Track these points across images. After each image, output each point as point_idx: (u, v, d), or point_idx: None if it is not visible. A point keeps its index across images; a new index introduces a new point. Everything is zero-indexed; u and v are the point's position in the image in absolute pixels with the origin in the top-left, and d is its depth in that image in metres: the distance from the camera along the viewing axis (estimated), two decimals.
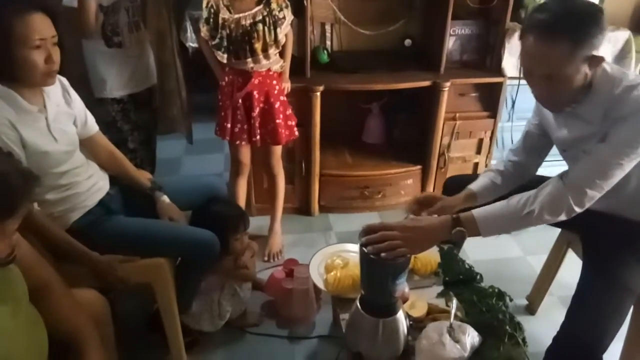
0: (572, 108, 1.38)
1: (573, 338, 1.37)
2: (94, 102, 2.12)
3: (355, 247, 1.91)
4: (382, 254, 1.31)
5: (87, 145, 1.69)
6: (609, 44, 2.59)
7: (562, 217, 1.33)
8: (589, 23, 1.22)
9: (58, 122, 1.53)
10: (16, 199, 1.00)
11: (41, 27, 1.38)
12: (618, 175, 1.30)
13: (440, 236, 1.39)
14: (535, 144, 1.64)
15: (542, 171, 1.78)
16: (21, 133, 1.40)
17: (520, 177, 1.64)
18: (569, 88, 1.30)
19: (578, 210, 1.32)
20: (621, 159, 1.27)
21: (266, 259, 2.41)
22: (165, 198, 1.77)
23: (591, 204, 1.32)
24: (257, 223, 2.49)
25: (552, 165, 2.02)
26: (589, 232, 1.59)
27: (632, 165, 1.29)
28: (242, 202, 2.44)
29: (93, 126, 1.71)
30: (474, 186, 1.62)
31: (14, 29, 1.34)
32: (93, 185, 1.64)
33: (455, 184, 1.71)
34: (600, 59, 1.27)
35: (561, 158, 1.59)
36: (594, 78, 1.31)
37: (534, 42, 1.26)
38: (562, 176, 1.35)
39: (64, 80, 1.60)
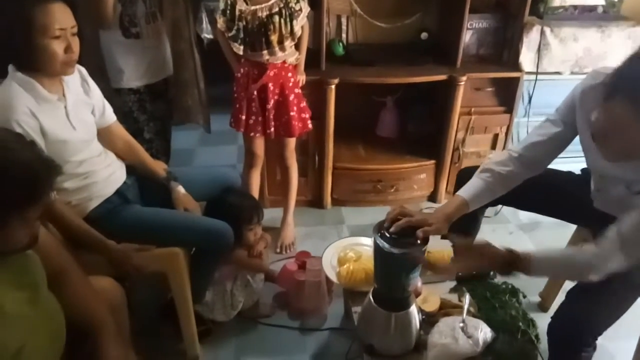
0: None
1: (566, 320, 1.38)
2: (110, 93, 2.13)
3: (368, 241, 1.92)
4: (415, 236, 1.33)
5: (104, 135, 1.71)
6: (628, 40, 2.55)
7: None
8: None
9: (77, 111, 1.54)
10: (39, 187, 1.01)
11: (61, 17, 1.40)
12: None
13: (492, 266, 1.42)
14: (561, 147, 1.50)
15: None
16: (41, 121, 1.41)
17: (528, 174, 1.51)
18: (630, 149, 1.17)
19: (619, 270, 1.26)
20: None
21: (278, 250, 2.42)
22: (181, 189, 1.79)
23: None
24: (269, 215, 2.50)
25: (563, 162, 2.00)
26: (603, 230, 1.57)
27: None
28: (255, 193, 2.44)
29: (111, 116, 1.73)
30: (465, 193, 1.47)
31: (35, 19, 1.35)
32: (111, 174, 1.66)
33: (469, 176, 1.68)
34: None
35: (576, 155, 1.56)
36: None
37: (625, 114, 1.09)
38: (622, 248, 1.23)
39: (83, 69, 1.62)
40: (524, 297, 1.73)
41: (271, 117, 2.18)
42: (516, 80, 2.56)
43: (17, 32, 1.36)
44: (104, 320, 1.26)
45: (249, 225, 1.92)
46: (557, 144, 1.48)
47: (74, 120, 1.52)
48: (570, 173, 1.73)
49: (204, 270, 1.79)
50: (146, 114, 2.31)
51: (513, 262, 1.28)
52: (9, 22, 1.36)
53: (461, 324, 1.49)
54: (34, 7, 1.35)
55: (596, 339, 1.36)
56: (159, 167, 1.83)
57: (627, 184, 1.33)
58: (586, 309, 1.36)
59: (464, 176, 1.79)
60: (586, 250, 1.27)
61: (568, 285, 2.00)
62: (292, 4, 2.01)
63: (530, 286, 1.93)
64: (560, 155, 1.75)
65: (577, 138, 1.49)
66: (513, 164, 1.48)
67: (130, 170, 1.77)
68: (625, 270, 1.23)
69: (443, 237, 1.48)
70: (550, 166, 1.72)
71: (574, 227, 1.92)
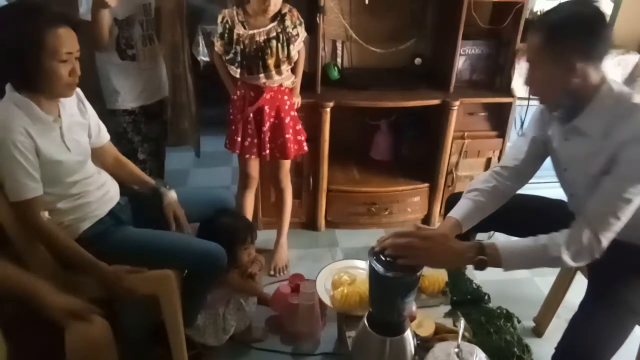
0: (560, 113, 1.42)
1: (570, 351, 1.37)
2: (105, 113, 2.13)
3: (363, 264, 1.91)
4: (399, 261, 1.30)
5: (96, 153, 1.71)
6: (618, 67, 2.60)
7: (587, 262, 1.33)
8: (577, 28, 1.27)
9: (72, 132, 1.55)
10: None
11: (69, 41, 1.43)
12: (629, 210, 1.29)
13: (463, 259, 1.37)
14: (539, 152, 1.60)
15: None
16: (36, 142, 1.41)
17: (513, 187, 1.59)
18: (547, 80, 1.35)
19: (598, 255, 1.32)
20: (628, 194, 1.27)
21: (272, 273, 2.40)
22: (173, 194, 1.79)
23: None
24: (263, 237, 2.49)
25: (547, 188, 2.03)
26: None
27: None
28: (249, 215, 2.44)
29: (105, 136, 1.74)
30: (456, 214, 1.52)
31: (45, 42, 1.38)
32: (104, 194, 1.65)
33: (458, 201, 1.69)
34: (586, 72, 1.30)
35: (555, 180, 1.60)
36: (596, 92, 1.34)
37: (538, 45, 1.33)
38: (588, 223, 1.31)
39: (79, 91, 1.62)
40: (519, 322, 1.72)
41: (267, 139, 2.19)
42: (508, 106, 2.60)
43: (28, 53, 1.38)
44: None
45: (243, 245, 1.91)
46: (533, 152, 1.59)
47: (68, 142, 1.52)
48: (561, 201, 1.75)
49: (196, 293, 1.77)
50: (140, 135, 2.31)
51: (480, 252, 1.31)
52: (20, 44, 1.37)
53: (456, 350, 1.47)
54: (45, 31, 1.38)
55: None
56: (149, 178, 1.84)
57: (583, 168, 1.41)
58: (592, 337, 1.35)
59: (453, 201, 1.80)
60: (553, 234, 1.33)
61: (562, 310, 2.02)
62: (289, 29, 2.04)
63: (524, 311, 1.92)
64: (543, 180, 1.78)
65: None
66: (496, 180, 1.58)
67: (124, 190, 1.77)
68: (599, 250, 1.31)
69: None
70: (541, 194, 1.74)
71: None
